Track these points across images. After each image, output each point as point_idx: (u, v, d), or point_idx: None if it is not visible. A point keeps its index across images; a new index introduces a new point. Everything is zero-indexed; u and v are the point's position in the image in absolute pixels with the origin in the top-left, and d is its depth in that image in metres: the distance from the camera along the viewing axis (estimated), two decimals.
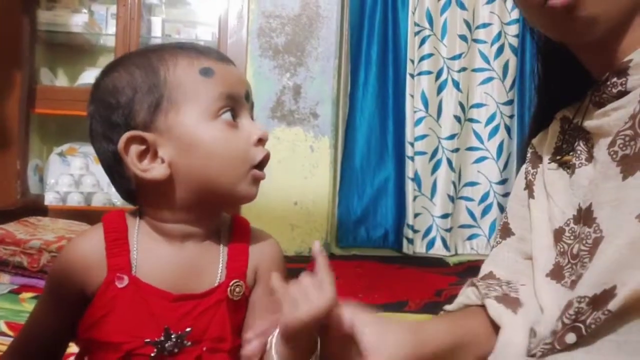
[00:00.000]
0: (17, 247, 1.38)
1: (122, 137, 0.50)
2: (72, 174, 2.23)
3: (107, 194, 2.23)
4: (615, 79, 0.50)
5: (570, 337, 0.45)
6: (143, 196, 0.54)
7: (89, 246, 0.53)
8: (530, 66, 2.45)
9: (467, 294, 0.60)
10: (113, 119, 0.51)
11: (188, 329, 0.51)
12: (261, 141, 0.54)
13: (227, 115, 0.52)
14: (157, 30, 2.32)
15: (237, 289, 0.53)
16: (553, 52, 0.60)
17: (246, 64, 2.24)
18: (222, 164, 0.51)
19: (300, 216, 2.28)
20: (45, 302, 0.56)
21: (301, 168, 2.28)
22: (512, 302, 0.55)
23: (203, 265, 0.54)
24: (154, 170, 0.51)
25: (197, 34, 2.36)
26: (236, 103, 0.53)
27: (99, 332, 0.51)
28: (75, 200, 2.19)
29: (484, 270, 0.63)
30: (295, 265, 2.39)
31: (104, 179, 2.28)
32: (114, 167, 0.53)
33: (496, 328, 0.54)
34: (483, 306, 0.56)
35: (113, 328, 0.50)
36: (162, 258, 0.53)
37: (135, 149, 0.50)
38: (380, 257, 2.32)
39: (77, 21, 2.22)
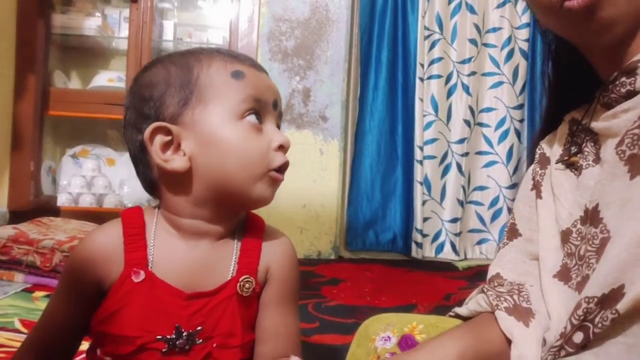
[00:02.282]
0: (30, 246, 1.40)
1: (149, 126, 0.52)
2: (84, 176, 2.26)
3: (118, 196, 2.26)
4: (624, 79, 0.50)
5: (578, 337, 0.45)
6: (163, 187, 0.55)
7: (107, 240, 0.53)
8: (541, 70, 2.44)
9: (477, 301, 0.60)
10: (145, 111, 0.53)
11: (199, 328, 0.52)
12: (282, 148, 0.54)
13: (252, 118, 0.53)
14: (169, 34, 2.35)
15: (247, 285, 0.54)
16: (564, 54, 0.60)
17: None
18: (240, 162, 0.52)
19: (309, 219, 2.29)
20: (60, 296, 0.56)
21: (310, 171, 2.29)
22: (523, 314, 0.55)
23: (216, 263, 0.54)
24: (175, 162, 0.52)
25: (209, 37, 2.38)
26: (262, 108, 0.54)
27: (112, 325, 0.52)
28: (87, 202, 2.21)
29: (491, 271, 0.63)
30: (304, 268, 2.39)
31: (116, 181, 2.31)
32: (140, 156, 0.55)
33: (509, 338, 0.54)
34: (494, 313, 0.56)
35: (127, 322, 0.51)
36: (177, 256, 0.53)
37: (160, 139, 0.52)
38: (389, 260, 2.31)
39: (91, 24, 2.25)
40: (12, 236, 1.45)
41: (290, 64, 2.30)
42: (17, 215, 2.00)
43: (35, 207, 2.07)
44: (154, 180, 0.55)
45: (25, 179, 2.11)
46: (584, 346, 0.46)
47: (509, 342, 0.54)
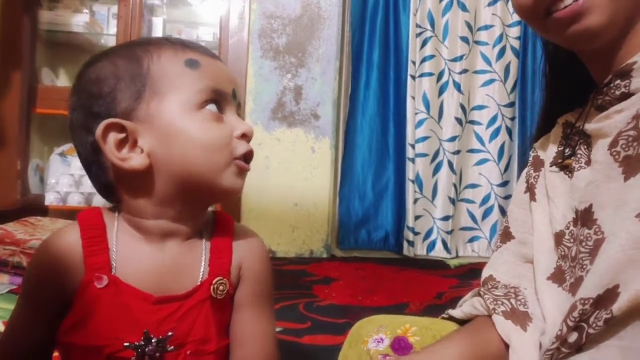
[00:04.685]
0: (16, 246, 1.38)
1: (100, 124, 0.49)
2: (72, 174, 2.22)
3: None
4: (618, 81, 0.50)
5: (573, 337, 0.45)
6: (122, 189, 0.51)
7: (65, 245, 0.50)
8: (532, 68, 2.46)
9: (473, 304, 0.60)
10: (95, 109, 0.50)
11: (170, 333, 0.49)
12: (245, 136, 0.52)
13: (212, 107, 0.51)
14: (159, 31, 2.32)
15: (221, 287, 0.51)
16: (561, 55, 0.59)
17: (247, 64, 2.24)
18: (203, 153, 0.50)
19: (301, 218, 2.28)
20: (22, 308, 0.52)
21: (302, 169, 2.28)
22: (521, 318, 0.55)
23: (185, 264, 0.52)
24: (133, 160, 0.49)
25: (199, 34, 2.36)
26: (222, 98, 0.52)
27: (78, 335, 0.49)
28: (75, 201, 2.18)
29: (485, 274, 0.62)
30: (295, 267, 2.37)
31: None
32: (92, 159, 0.51)
33: (505, 341, 0.54)
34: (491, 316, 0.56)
35: (93, 331, 0.49)
36: (143, 258, 0.51)
37: (113, 137, 0.49)
38: (381, 259, 2.31)
39: (79, 21, 2.22)
40: None
41: (281, 62, 2.28)
42: (3, 215, 1.96)
43: (22, 206, 2.03)
44: (110, 183, 0.52)
45: (11, 177, 2.07)
46: (579, 348, 0.45)
47: (507, 346, 0.53)
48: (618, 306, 0.42)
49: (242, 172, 0.52)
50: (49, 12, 2.24)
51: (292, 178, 2.26)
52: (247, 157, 0.53)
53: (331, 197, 2.34)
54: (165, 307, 0.50)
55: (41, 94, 2.16)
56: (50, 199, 2.18)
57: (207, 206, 0.55)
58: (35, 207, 2.04)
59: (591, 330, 0.44)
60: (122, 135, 0.49)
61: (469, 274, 2.06)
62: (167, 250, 0.51)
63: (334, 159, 2.35)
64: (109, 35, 2.29)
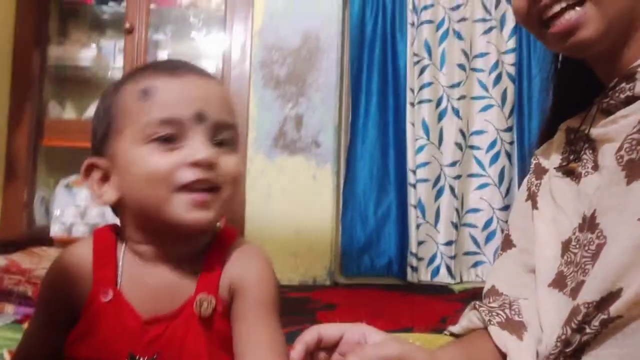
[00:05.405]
0: (22, 276, 1.39)
1: (83, 163, 0.52)
2: (78, 205, 2.25)
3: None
4: (623, 84, 0.50)
5: (575, 339, 0.45)
6: (116, 217, 0.55)
7: (77, 257, 0.52)
8: (528, 94, 2.50)
9: (469, 318, 0.60)
10: (92, 143, 0.54)
11: (155, 355, 0.49)
12: (197, 164, 0.49)
13: (162, 137, 0.49)
14: None
15: (205, 304, 0.49)
16: (567, 59, 0.60)
17: (249, 94, 2.29)
18: (144, 186, 0.49)
19: (304, 245, 2.28)
20: (36, 320, 0.54)
21: (304, 197, 2.30)
22: (516, 327, 0.55)
23: (177, 285, 0.51)
24: (105, 195, 0.51)
25: (202, 66, 2.42)
26: (177, 126, 0.49)
27: (81, 348, 0.50)
28: (80, 231, 2.20)
29: (488, 284, 0.63)
30: (299, 294, 2.36)
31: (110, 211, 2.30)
32: None
33: (503, 353, 0.54)
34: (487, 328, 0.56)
35: (94, 345, 0.49)
36: (142, 278, 0.51)
37: (96, 174, 0.52)
38: (385, 285, 2.30)
39: (86, 56, 2.29)
40: (3, 266, 1.44)
41: (282, 91, 2.33)
42: (9, 246, 1.98)
43: (27, 237, 2.05)
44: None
45: (18, 209, 2.10)
46: (580, 349, 0.46)
47: (503, 356, 0.54)
48: (616, 307, 0.43)
49: (194, 203, 0.49)
50: (57, 47, 2.31)
51: (294, 205, 2.28)
52: (195, 184, 0.49)
53: (333, 224, 2.35)
54: (153, 329, 0.50)
55: (48, 126, 2.21)
56: (56, 230, 2.20)
57: (187, 236, 0.52)
58: (41, 238, 2.06)
59: (590, 330, 0.44)
60: (101, 172, 0.52)
61: (474, 299, 2.03)
62: (161, 272, 0.52)
63: (335, 186, 2.37)
64: (116, 68, 2.36)
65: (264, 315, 0.52)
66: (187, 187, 0.49)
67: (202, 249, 0.53)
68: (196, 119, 0.50)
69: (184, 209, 0.49)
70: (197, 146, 0.49)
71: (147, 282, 0.51)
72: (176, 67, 0.52)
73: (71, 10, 2.41)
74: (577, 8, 0.49)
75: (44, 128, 2.21)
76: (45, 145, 2.23)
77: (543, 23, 0.52)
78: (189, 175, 0.49)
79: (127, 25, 2.20)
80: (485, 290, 0.63)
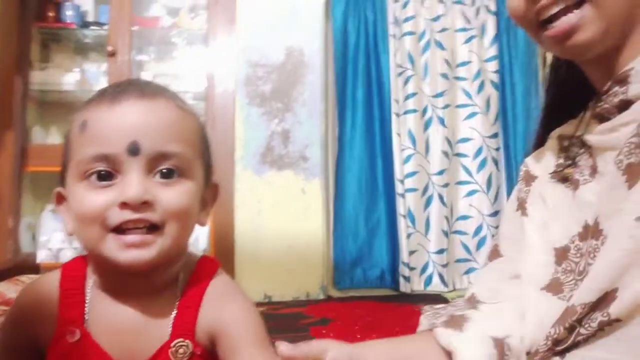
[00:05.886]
0: (7, 306, 1.36)
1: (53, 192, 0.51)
2: (64, 231, 2.22)
3: None
4: (616, 88, 0.49)
5: (567, 336, 0.45)
6: None
7: (41, 294, 0.49)
8: (512, 100, 2.53)
9: (421, 322, 0.60)
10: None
11: None
12: (127, 203, 0.45)
13: (93, 177, 0.47)
14: None
15: (181, 350, 0.47)
16: (560, 64, 0.60)
17: (235, 112, 2.30)
18: (79, 225, 0.48)
19: (295, 260, 2.27)
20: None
21: (294, 211, 2.29)
22: (457, 322, 0.55)
23: (151, 325, 0.48)
24: (67, 226, 0.50)
25: (187, 85, 2.42)
26: (112, 161, 0.46)
27: None
28: (67, 257, 2.15)
29: (468, 293, 0.63)
30: (292, 310, 2.33)
31: None
32: None
33: (449, 353, 0.54)
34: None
35: None
36: (109, 316, 0.48)
37: (64, 204, 0.51)
38: (378, 297, 2.29)
39: (69, 80, 2.28)
40: None
41: (268, 107, 2.34)
42: None
43: (13, 265, 2.02)
44: None
45: (3, 236, 2.07)
46: (567, 348, 0.46)
47: (448, 355, 0.54)
48: (617, 309, 0.43)
49: (128, 245, 0.46)
50: (40, 72, 2.30)
51: (285, 220, 2.27)
52: (125, 225, 0.46)
53: (324, 238, 2.34)
54: None
55: (32, 152, 2.19)
56: (42, 257, 2.16)
57: (140, 274, 0.48)
58: (27, 266, 2.03)
59: (583, 331, 0.44)
60: (65, 202, 0.51)
61: None
62: (131, 309, 0.49)
63: (325, 200, 2.37)
64: None
65: (259, 349, 0.49)
66: (120, 228, 0.46)
67: (177, 282, 0.50)
68: (129, 152, 0.46)
69: (116, 251, 0.46)
70: (129, 183, 0.46)
71: (117, 321, 0.48)
72: (118, 93, 0.48)
73: (53, 34, 2.41)
74: (575, 11, 0.48)
75: (28, 153, 2.19)
76: (30, 171, 2.21)
77: (540, 24, 0.51)
78: (119, 216, 0.46)
79: (110, 48, 2.20)
80: (465, 298, 0.62)
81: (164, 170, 0.47)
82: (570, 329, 0.45)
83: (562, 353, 0.46)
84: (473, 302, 0.59)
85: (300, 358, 0.47)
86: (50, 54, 2.44)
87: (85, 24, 2.34)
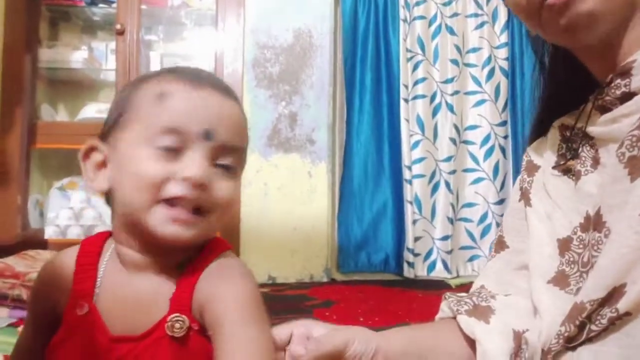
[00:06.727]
0: (16, 279, 1.39)
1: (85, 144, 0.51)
2: (72, 207, 2.24)
3: (110, 226, 2.24)
4: (619, 80, 0.49)
5: (578, 334, 0.46)
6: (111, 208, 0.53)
7: (60, 267, 0.52)
8: (521, 88, 2.50)
9: (441, 309, 0.61)
10: (101, 129, 0.54)
11: None
12: (186, 180, 0.47)
13: (165, 144, 0.48)
14: (156, 65, 2.38)
15: (177, 325, 0.47)
16: (558, 55, 0.59)
17: (242, 94, 2.29)
18: (133, 186, 0.47)
19: (300, 242, 2.28)
20: (27, 326, 0.54)
21: (300, 194, 2.30)
22: (483, 313, 0.56)
23: (152, 300, 0.49)
24: (97, 182, 0.51)
25: (195, 66, 2.41)
26: (182, 137, 0.48)
27: (57, 355, 0.49)
28: (75, 234, 2.19)
29: (476, 285, 0.63)
30: (295, 292, 2.35)
31: (107, 212, 2.29)
32: None
33: (471, 340, 0.55)
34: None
35: (66, 355, 0.48)
36: (118, 290, 0.50)
37: (94, 157, 0.51)
38: (382, 281, 2.30)
39: (77, 58, 2.28)
40: None
41: (276, 90, 2.33)
42: (3, 249, 1.97)
43: (21, 240, 2.05)
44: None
45: (11, 213, 2.09)
46: (580, 344, 0.46)
47: (471, 343, 0.54)
48: (626, 303, 0.43)
49: (174, 220, 0.47)
50: (48, 50, 2.30)
51: (291, 203, 2.28)
52: (178, 200, 0.47)
53: (330, 221, 2.35)
54: (119, 347, 0.47)
55: (41, 129, 2.20)
56: (50, 233, 2.19)
57: (170, 248, 0.49)
58: (35, 242, 2.06)
59: (594, 327, 0.45)
60: (101, 157, 0.51)
61: None
62: (137, 284, 0.50)
63: (331, 183, 2.37)
64: (108, 70, 2.35)
65: (244, 327, 0.47)
66: (170, 201, 0.47)
67: (184, 261, 0.51)
68: (203, 136, 0.48)
69: (162, 222, 0.47)
70: (193, 163, 0.47)
71: (125, 295, 0.49)
72: (200, 78, 0.51)
73: (61, 12, 2.40)
74: None
75: (37, 131, 2.20)
76: (38, 148, 2.22)
77: (541, 3, 0.50)
78: (176, 189, 0.47)
79: (118, 26, 2.19)
80: (472, 289, 0.63)
81: (225, 163, 0.50)
82: (581, 326, 0.45)
83: (574, 347, 0.47)
84: (487, 294, 0.59)
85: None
86: (58, 32, 2.44)
87: (93, 2, 2.33)
